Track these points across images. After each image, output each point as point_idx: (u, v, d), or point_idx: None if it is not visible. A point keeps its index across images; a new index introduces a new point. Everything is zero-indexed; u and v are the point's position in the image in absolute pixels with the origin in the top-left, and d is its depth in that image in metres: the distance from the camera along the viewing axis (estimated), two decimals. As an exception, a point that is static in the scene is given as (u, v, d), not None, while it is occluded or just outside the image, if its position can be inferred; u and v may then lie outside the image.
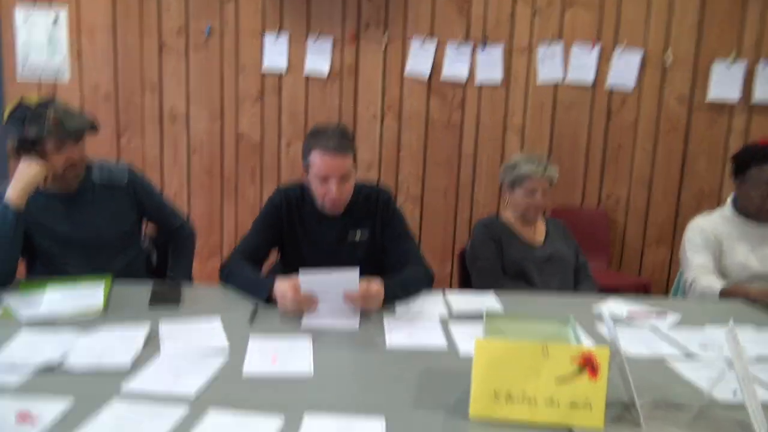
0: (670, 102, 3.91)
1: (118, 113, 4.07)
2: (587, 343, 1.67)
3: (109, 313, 1.77)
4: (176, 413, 1.21)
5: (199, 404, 1.25)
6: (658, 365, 1.58)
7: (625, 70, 3.89)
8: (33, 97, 1.99)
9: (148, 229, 2.43)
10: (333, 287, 1.78)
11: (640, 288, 3.71)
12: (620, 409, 1.33)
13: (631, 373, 1.29)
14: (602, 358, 1.25)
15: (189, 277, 2.35)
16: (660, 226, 4.06)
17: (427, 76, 3.95)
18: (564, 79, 3.93)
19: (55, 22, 4.00)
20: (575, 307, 2.01)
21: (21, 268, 2.08)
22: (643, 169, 4.01)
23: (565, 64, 3.91)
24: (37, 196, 2.05)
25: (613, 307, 2.03)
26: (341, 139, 1.99)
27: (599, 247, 3.94)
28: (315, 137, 2.02)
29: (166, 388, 1.32)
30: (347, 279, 1.75)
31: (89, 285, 1.91)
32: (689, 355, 1.64)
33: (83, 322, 1.68)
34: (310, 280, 1.76)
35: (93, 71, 4.03)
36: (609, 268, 3.98)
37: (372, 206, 2.20)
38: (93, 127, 2.04)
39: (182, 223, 2.39)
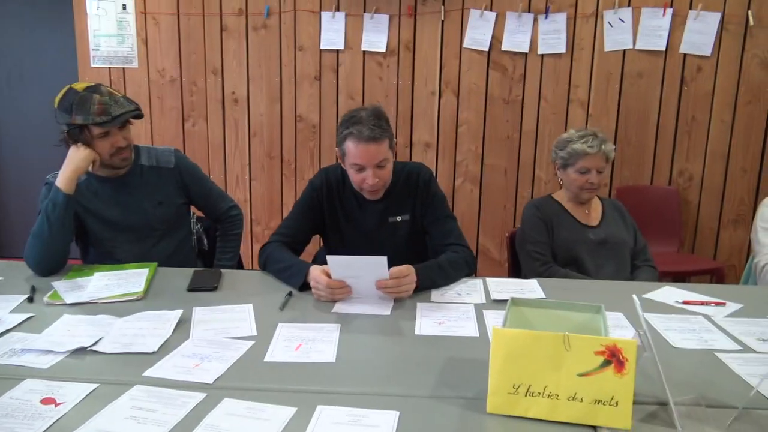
0: (751, 68, 3.61)
1: (182, 97, 4.18)
2: (626, 335, 1.57)
3: (149, 298, 1.82)
4: (192, 401, 1.22)
5: (215, 392, 1.26)
6: (705, 359, 1.46)
7: (701, 33, 3.61)
8: (81, 84, 2.05)
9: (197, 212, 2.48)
10: (363, 272, 1.75)
11: (714, 273, 3.48)
12: (654, 407, 1.24)
13: (673, 367, 1.20)
14: (629, 351, 1.16)
15: (236, 261, 2.39)
16: (737, 206, 3.78)
17: (486, 47, 3.82)
18: (634, 44, 3.69)
19: (124, 8, 4.14)
20: (625, 294, 1.88)
21: (76, 254, 2.19)
22: (719, 143, 3.73)
23: (634, 29, 3.68)
24: (88, 181, 2.13)
25: (667, 294, 1.91)
26: (375, 126, 1.93)
27: (670, 228, 3.71)
28: (348, 125, 1.97)
29: (186, 374, 1.33)
30: (376, 265, 1.72)
31: (134, 271, 1.97)
32: (743, 349, 1.51)
33: (122, 307, 1.73)
34: (338, 262, 1.74)
35: (159, 56, 4.15)
36: (680, 252, 3.74)
37: (413, 186, 2.16)
38: (137, 114, 2.08)
39: (230, 206, 2.42)
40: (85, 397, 1.23)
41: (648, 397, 1.26)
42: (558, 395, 1.19)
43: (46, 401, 1.21)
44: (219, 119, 4.18)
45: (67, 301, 1.75)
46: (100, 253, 2.19)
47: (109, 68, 4.19)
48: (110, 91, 2.06)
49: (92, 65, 4.19)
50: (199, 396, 1.25)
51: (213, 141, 4.22)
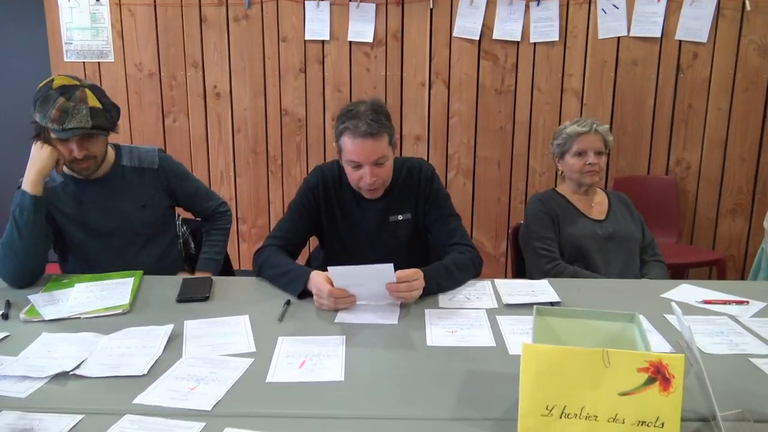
0: (748, 54, 3.54)
1: (162, 92, 4.01)
2: (656, 343, 1.47)
3: (136, 311, 1.68)
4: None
5: (215, 420, 1.14)
6: (740, 365, 1.37)
7: (696, 19, 3.52)
8: (61, 80, 1.84)
9: (183, 214, 2.34)
10: (368, 280, 1.63)
11: (714, 264, 3.41)
12: (697, 424, 1.14)
13: (711, 378, 1.09)
14: (676, 367, 1.05)
15: (222, 256, 2.25)
16: (736, 195, 3.71)
17: (477, 36, 3.70)
18: (628, 31, 3.60)
19: (97, 0, 3.94)
20: (642, 294, 1.81)
21: (54, 259, 2.03)
22: (717, 132, 3.66)
23: (629, 15, 3.58)
24: (65, 184, 1.98)
25: (686, 293, 1.81)
26: (373, 121, 1.81)
27: (668, 219, 3.63)
28: (345, 119, 1.85)
29: (182, 400, 1.20)
30: (382, 273, 1.60)
31: (117, 281, 1.83)
32: (778, 353, 1.42)
33: (107, 322, 1.59)
34: (341, 273, 1.61)
35: (135, 49, 3.96)
36: (679, 242, 3.66)
37: (414, 183, 2.04)
38: (92, 133, 1.86)
39: (218, 203, 2.29)
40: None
41: (688, 412, 1.16)
42: (597, 416, 1.08)
43: (24, 439, 1.07)
44: (201, 114, 4.01)
45: (46, 317, 1.60)
46: (81, 260, 2.03)
47: (84, 63, 3.99)
48: (82, 98, 1.82)
49: (66, 60, 3.99)
50: (198, 426, 1.12)
51: (195, 137, 4.05)
